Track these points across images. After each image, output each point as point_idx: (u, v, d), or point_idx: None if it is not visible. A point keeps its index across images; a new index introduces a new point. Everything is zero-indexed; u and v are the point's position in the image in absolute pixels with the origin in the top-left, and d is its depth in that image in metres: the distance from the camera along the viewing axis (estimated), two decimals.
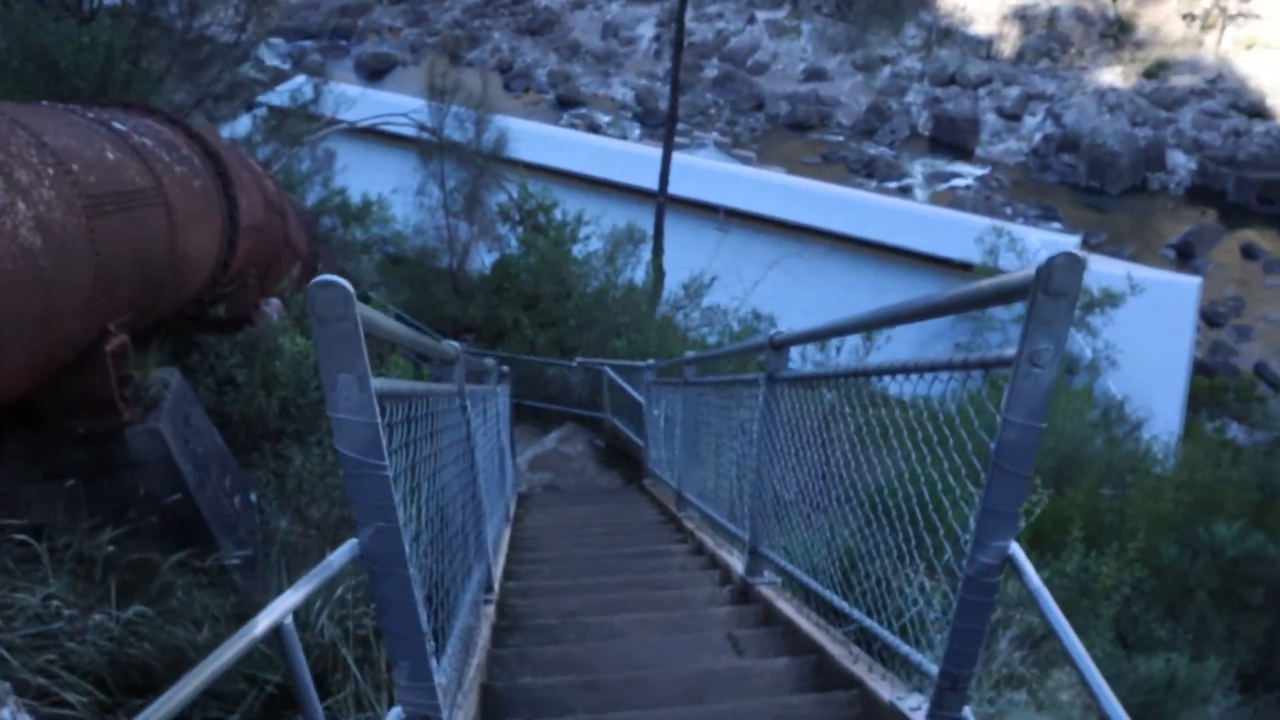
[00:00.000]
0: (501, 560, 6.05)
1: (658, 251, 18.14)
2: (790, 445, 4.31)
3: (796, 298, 24.71)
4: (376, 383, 2.29)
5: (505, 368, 9.37)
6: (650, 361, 8.58)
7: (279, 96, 24.78)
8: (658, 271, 16.90)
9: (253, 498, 6.75)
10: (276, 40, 72.21)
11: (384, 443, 2.25)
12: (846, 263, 27.76)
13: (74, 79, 7.60)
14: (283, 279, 10.58)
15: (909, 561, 3.16)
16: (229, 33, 11.50)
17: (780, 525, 4.81)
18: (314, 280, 2.19)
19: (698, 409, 6.55)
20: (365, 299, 13.29)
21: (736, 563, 5.64)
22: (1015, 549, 2.34)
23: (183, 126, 7.43)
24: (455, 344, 4.25)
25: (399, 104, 24.74)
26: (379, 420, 2.22)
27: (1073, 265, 2.02)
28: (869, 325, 3.93)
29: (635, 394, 9.36)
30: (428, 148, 16.88)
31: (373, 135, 28.09)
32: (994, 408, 2.67)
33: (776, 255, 26.60)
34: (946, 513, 2.77)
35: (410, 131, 20.17)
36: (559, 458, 10.22)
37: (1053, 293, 2.03)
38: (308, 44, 71.49)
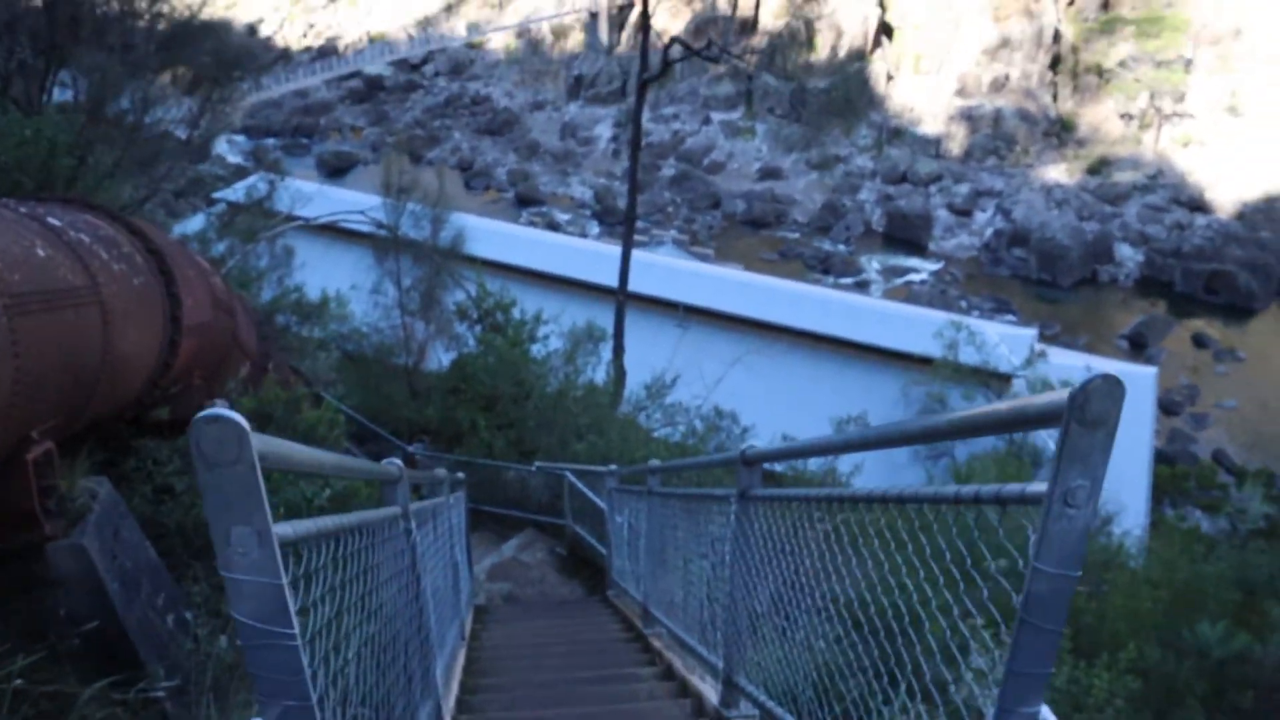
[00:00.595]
0: (455, 688, 5.60)
1: (618, 350, 17.91)
2: (767, 568, 3.94)
3: (758, 393, 24.55)
4: (283, 528, 1.92)
5: (460, 474, 8.99)
6: (612, 467, 8.24)
7: (236, 193, 24.66)
8: (619, 370, 16.64)
9: (188, 616, 6.27)
10: (239, 137, 72.74)
11: (291, 605, 1.86)
12: (807, 358, 27.76)
13: (15, 173, 7.28)
14: (231, 379, 10.19)
15: (909, 698, 2.82)
16: (181, 129, 11.28)
17: (757, 649, 4.43)
18: (199, 415, 1.82)
19: (664, 519, 6.18)
20: (318, 399, 12.87)
21: (710, 692, 5.20)
22: (1046, 714, 2.02)
23: (124, 223, 7.12)
24: (397, 462, 3.85)
25: (358, 201, 24.69)
26: (283, 580, 1.81)
27: (1111, 390, 1.74)
28: (859, 446, 3.60)
29: (597, 500, 8.98)
30: (384, 244, 16.66)
31: (331, 231, 27.98)
32: (1004, 539, 2.38)
33: (738, 352, 26.49)
34: (960, 664, 2.45)
35: (368, 228, 20.00)
36: (518, 566, 9.74)
37: (1089, 421, 1.75)
38: (270, 141, 71.96)
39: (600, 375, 15.24)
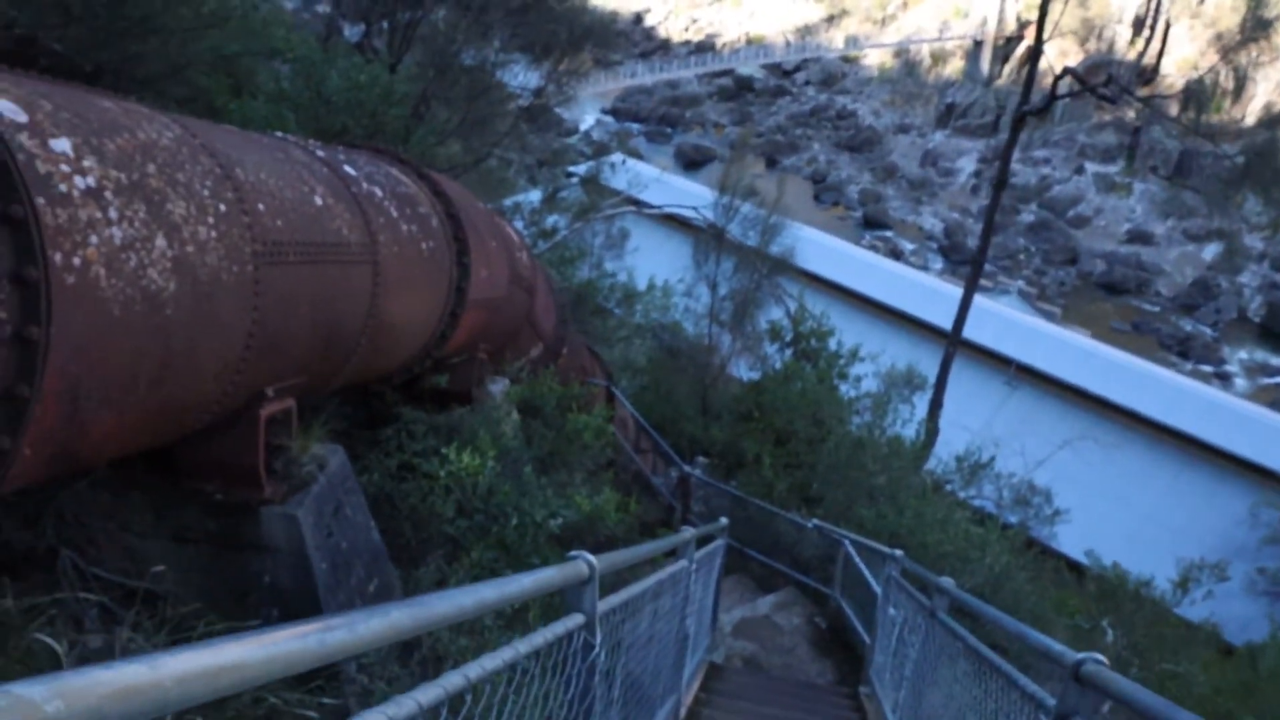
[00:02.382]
0: None
1: (936, 405, 16.32)
2: None
3: (1079, 473, 22.07)
4: None
5: (724, 520, 8.15)
6: (898, 553, 7.07)
7: (591, 170, 25.01)
8: (931, 429, 15.13)
9: None
10: (607, 118, 75.97)
11: None
12: (1144, 448, 24.60)
13: (344, 116, 7.17)
14: (519, 358, 9.90)
15: None
16: (527, 96, 11.16)
17: None
18: None
19: (942, 654, 5.02)
20: (610, 398, 12.47)
21: None
22: None
23: (431, 184, 6.81)
24: (586, 557, 3.03)
25: (700, 195, 24.40)
26: None
27: None
28: None
29: (873, 583, 7.81)
30: (707, 245, 15.99)
31: (672, 221, 28.03)
32: None
33: (1066, 425, 23.97)
34: None
35: (701, 223, 19.63)
36: (770, 628, 8.75)
37: None
38: (634, 126, 74.52)
39: (909, 429, 13.85)
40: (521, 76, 12.26)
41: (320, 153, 5.61)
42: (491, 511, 5.28)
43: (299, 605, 5.07)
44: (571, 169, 29.54)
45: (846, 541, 8.63)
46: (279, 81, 8.14)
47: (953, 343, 17.91)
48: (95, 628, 4.80)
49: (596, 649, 2.85)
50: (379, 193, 5.88)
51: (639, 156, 54.25)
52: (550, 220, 16.44)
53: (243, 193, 4.26)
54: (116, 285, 3.35)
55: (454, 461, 5.32)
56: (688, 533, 4.91)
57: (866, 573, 8.03)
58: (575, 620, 2.74)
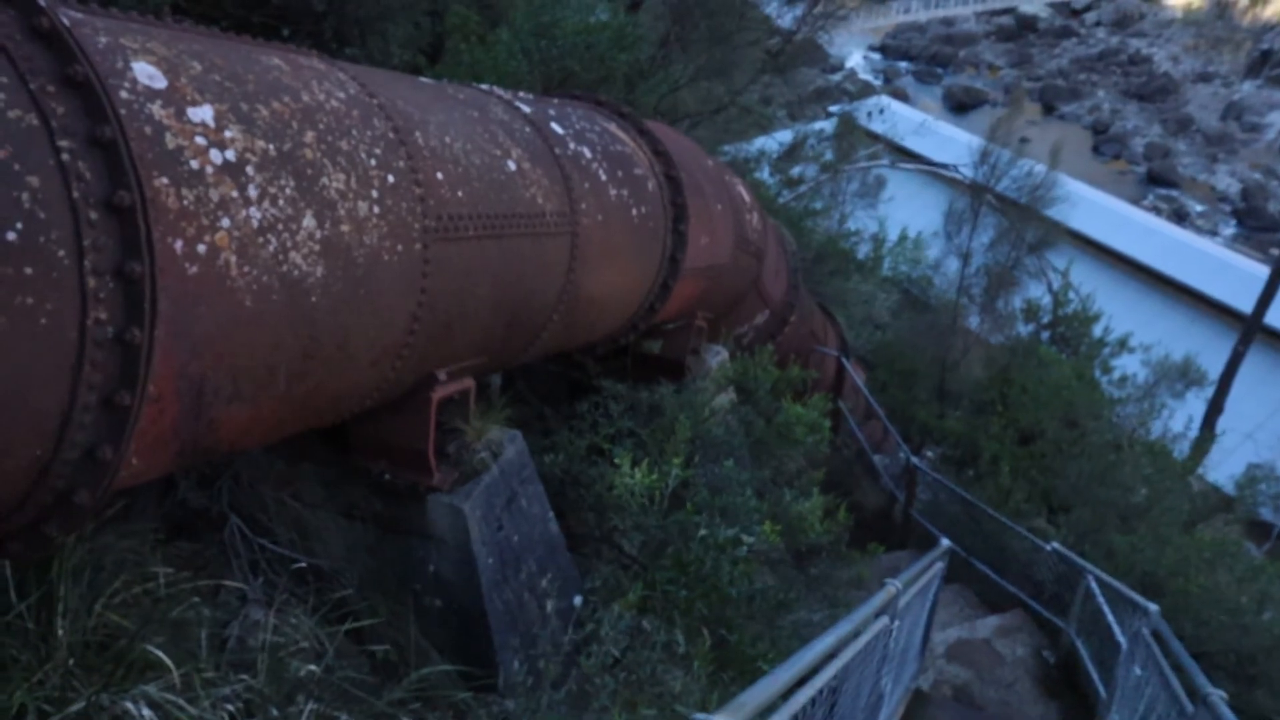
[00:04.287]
0: None
1: (1215, 407, 14.23)
2: None
3: None
4: None
5: (945, 542, 7.24)
6: (1153, 608, 5.97)
7: (855, 110, 23.67)
8: (1207, 435, 13.20)
9: (577, 600, 5.44)
10: (875, 55, 72.95)
11: None
12: None
13: (570, 60, 6.69)
14: (742, 325, 9.30)
15: None
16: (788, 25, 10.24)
17: None
18: None
19: None
20: (839, 377, 11.62)
21: None
22: None
23: (650, 140, 6.24)
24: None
25: (967, 144, 22.64)
26: None
27: None
28: None
29: (1117, 630, 6.70)
30: (961, 212, 14.49)
31: (928, 168, 26.42)
32: None
33: None
34: None
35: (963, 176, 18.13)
36: (989, 655, 7.77)
37: None
38: (903, 65, 71.32)
39: (1176, 426, 12.12)
40: (776, 13, 11.42)
41: (527, 109, 5.14)
42: (669, 528, 4.75)
43: (463, 598, 4.76)
44: (832, 108, 28.29)
45: (1090, 577, 7.53)
46: (514, 22, 7.76)
47: (1246, 336, 15.54)
48: (258, 598, 4.66)
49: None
50: (588, 154, 5.38)
51: (904, 98, 51.67)
52: (796, 170, 15.56)
53: (417, 160, 3.84)
54: (250, 274, 2.99)
55: (627, 474, 4.79)
56: (892, 585, 4.18)
57: (1111, 618, 6.96)
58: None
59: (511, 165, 4.54)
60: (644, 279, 6.07)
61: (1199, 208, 51.40)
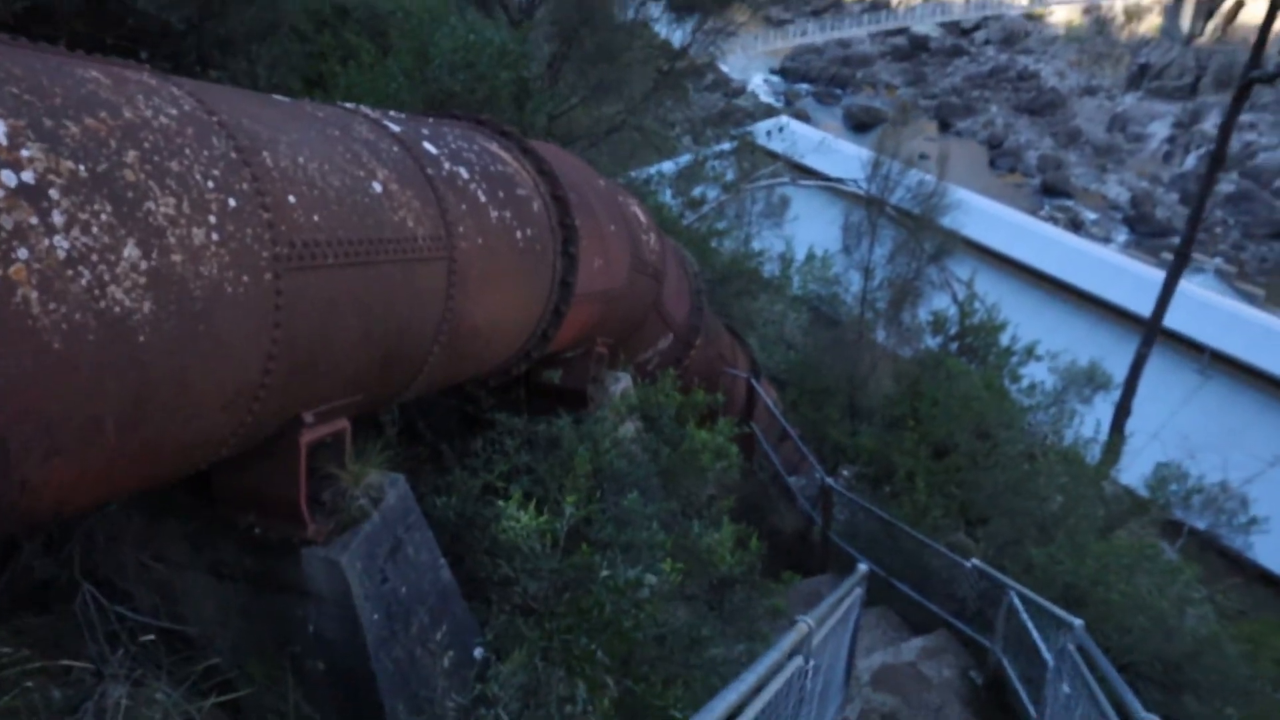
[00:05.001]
0: None
1: (1123, 410, 14.45)
2: None
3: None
4: None
5: (863, 567, 7.04)
6: (1077, 624, 5.83)
7: (755, 132, 23.80)
8: (1115, 439, 13.36)
9: (477, 653, 5.07)
10: (775, 78, 74.03)
11: None
12: None
13: (448, 81, 6.37)
14: (645, 351, 9.02)
15: None
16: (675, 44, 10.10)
17: None
18: None
19: None
20: (749, 402, 11.43)
21: None
22: None
23: (535, 159, 5.96)
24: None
25: (863, 158, 22.90)
26: None
27: None
28: None
29: (1043, 649, 6.56)
30: (859, 225, 14.49)
31: (834, 189, 26.69)
32: None
33: (1267, 419, 21.60)
34: None
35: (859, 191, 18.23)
36: (916, 679, 7.55)
37: None
38: (802, 87, 72.43)
39: (1089, 431, 12.19)
40: (665, 31, 11.29)
41: (395, 127, 4.81)
42: (566, 571, 4.43)
43: (346, 658, 4.37)
44: (735, 130, 28.46)
45: (1012, 593, 7.39)
46: (391, 40, 7.43)
47: (1148, 338, 15.91)
48: (116, 673, 4.21)
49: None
50: (465, 174, 5.07)
51: (806, 119, 52.41)
52: (698, 190, 15.42)
53: (264, 183, 3.49)
54: (58, 311, 2.62)
55: (512, 515, 4.47)
56: (803, 623, 3.91)
57: (1036, 636, 6.80)
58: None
59: (377, 187, 4.21)
60: (534, 305, 5.76)
61: (1092, 216, 53.06)
